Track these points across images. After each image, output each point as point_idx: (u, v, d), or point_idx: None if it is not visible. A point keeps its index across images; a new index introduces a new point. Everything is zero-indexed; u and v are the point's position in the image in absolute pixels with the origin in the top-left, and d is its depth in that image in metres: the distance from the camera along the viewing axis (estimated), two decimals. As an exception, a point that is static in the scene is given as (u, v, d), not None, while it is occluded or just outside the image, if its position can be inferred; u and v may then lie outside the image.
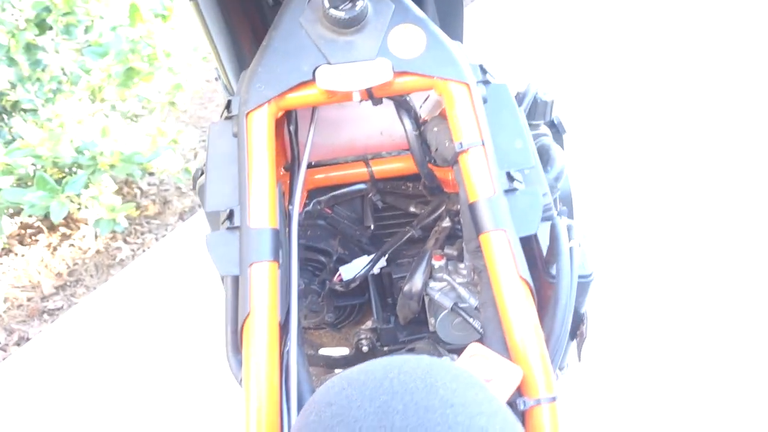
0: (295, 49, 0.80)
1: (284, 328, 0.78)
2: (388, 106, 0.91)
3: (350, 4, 0.78)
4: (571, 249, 0.87)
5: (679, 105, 3.05)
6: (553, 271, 0.87)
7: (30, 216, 2.46)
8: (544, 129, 1.11)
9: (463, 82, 0.80)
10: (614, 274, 2.21)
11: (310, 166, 1.03)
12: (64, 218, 2.55)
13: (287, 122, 0.91)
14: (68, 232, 2.60)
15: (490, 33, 3.58)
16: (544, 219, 0.90)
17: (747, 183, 2.58)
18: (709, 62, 3.33)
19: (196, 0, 0.86)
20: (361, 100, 0.83)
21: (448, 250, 0.96)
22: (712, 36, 3.52)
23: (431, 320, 0.99)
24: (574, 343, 1.07)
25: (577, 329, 1.02)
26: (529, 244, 0.95)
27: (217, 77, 1.11)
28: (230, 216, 0.78)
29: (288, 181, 0.93)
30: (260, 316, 0.74)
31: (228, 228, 0.78)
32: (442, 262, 0.96)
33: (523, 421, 0.73)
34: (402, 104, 0.89)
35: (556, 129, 1.17)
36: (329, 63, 0.79)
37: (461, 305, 0.95)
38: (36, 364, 2.12)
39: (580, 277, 0.94)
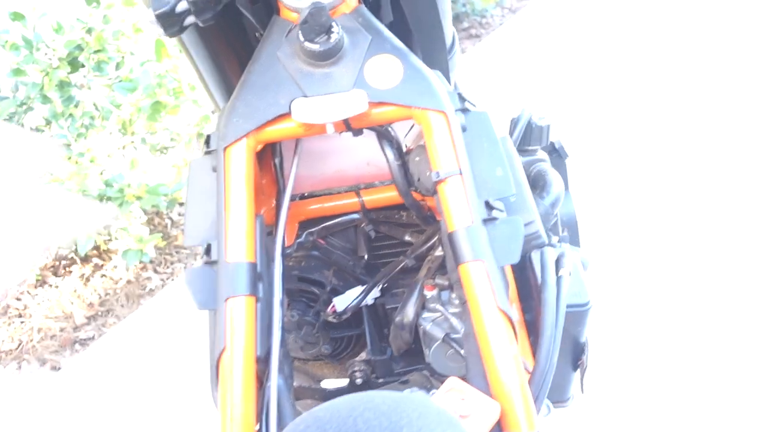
0: (273, 83, 0.81)
1: (266, 362, 0.78)
2: (374, 136, 0.90)
3: (325, 37, 0.79)
4: (560, 278, 0.85)
5: (692, 121, 2.99)
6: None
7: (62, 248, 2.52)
8: (541, 154, 1.09)
9: (440, 111, 0.79)
10: (625, 300, 2.15)
11: (302, 197, 1.03)
12: (97, 249, 2.61)
13: (273, 155, 0.91)
14: (100, 262, 2.65)
15: (495, 65, 3.57)
16: (534, 247, 0.88)
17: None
18: (717, 74, 3.25)
19: (179, 37, 0.87)
20: (340, 132, 0.83)
21: (439, 280, 0.94)
22: (719, 48, 3.44)
23: (426, 351, 0.98)
24: (578, 373, 1.04)
25: (578, 359, 0.99)
26: (525, 273, 0.93)
27: (213, 110, 1.13)
28: (208, 250, 0.79)
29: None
30: (235, 351, 0.74)
31: (206, 262, 0.78)
32: (434, 292, 0.95)
33: None
34: (384, 134, 0.88)
35: (558, 154, 1.15)
36: (305, 96, 0.79)
37: (453, 336, 0.93)
38: (66, 393, 2.16)
39: (575, 306, 0.91)
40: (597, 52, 3.57)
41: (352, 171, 0.99)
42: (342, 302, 1.02)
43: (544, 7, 4.00)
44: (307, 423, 0.60)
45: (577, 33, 3.75)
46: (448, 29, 1.00)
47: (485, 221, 0.76)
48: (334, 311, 1.01)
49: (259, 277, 0.79)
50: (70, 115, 2.48)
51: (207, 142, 0.83)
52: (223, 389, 0.73)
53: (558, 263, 0.85)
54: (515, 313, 0.90)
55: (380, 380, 1.06)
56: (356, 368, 1.05)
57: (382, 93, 0.79)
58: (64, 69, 2.46)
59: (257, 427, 0.75)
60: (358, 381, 1.06)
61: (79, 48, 2.47)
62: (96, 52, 2.48)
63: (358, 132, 0.85)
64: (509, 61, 3.57)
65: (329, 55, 0.79)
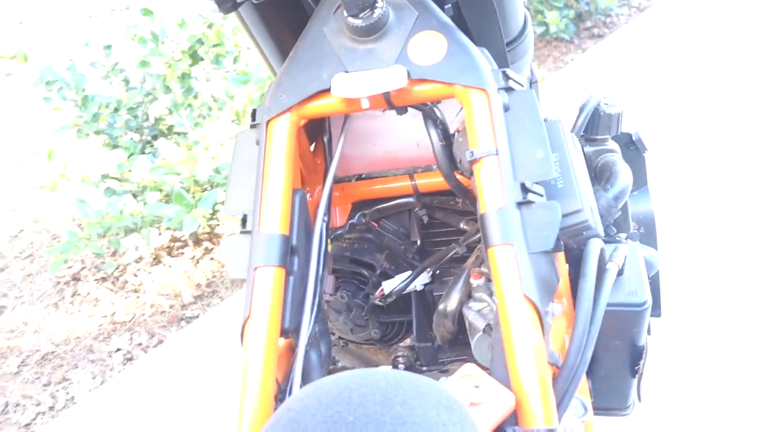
0: (317, 59, 0.81)
1: (295, 334, 0.78)
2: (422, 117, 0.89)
3: (369, 12, 0.78)
4: (606, 271, 0.79)
5: None
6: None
7: (172, 229, 2.68)
8: (612, 145, 1.02)
9: (480, 89, 0.76)
10: (703, 310, 1.99)
11: (359, 178, 1.03)
12: (208, 233, 2.76)
13: (322, 133, 0.92)
14: (210, 246, 2.79)
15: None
16: (586, 238, 0.83)
17: None
18: None
19: (238, 12, 0.90)
20: (384, 110, 0.82)
21: (486, 269, 0.91)
22: None
23: (471, 341, 0.94)
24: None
25: (635, 364, 0.92)
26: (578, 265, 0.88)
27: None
28: (244, 221, 0.80)
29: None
30: (259, 319, 0.75)
31: (241, 232, 0.80)
32: (481, 281, 0.91)
33: None
34: (428, 114, 0.86)
35: (636, 147, 1.08)
36: (347, 71, 0.79)
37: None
38: (168, 365, 2.30)
39: (630, 305, 0.85)
40: (726, 55, 3.31)
41: (401, 153, 0.97)
42: (390, 286, 1.01)
43: (674, 6, 3.77)
44: (307, 392, 0.60)
45: (708, 33, 3.50)
46: (514, 12, 0.97)
47: (519, 204, 0.72)
48: (382, 294, 1.01)
49: (293, 250, 0.79)
50: (189, 105, 2.63)
51: (253, 115, 0.85)
52: (245, 356, 0.74)
53: (605, 256, 0.80)
54: (559, 307, 0.85)
55: (424, 368, 1.03)
56: (400, 354, 1.04)
57: (423, 69, 0.78)
58: (185, 61, 2.62)
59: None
60: (401, 367, 1.04)
61: (200, 42, 2.62)
62: (215, 45, 2.62)
63: (401, 110, 0.84)
64: (630, 61, 3.39)
65: (373, 31, 0.78)
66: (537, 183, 0.75)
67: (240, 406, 0.73)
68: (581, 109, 1.02)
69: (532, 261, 0.71)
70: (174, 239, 2.85)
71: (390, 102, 0.80)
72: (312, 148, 0.97)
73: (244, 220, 0.81)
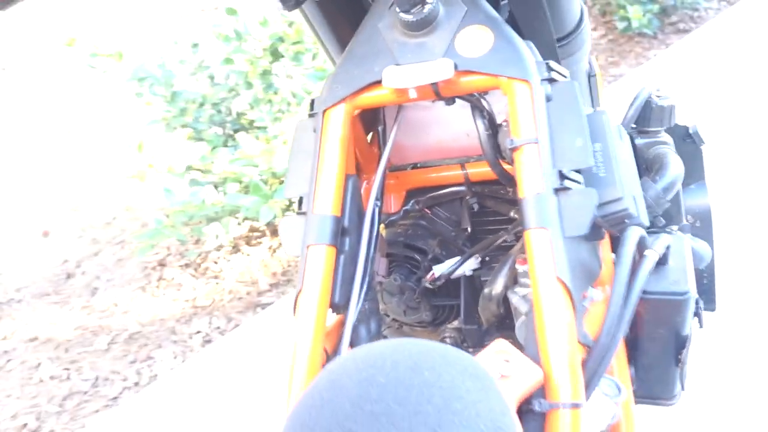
0: (371, 53, 0.87)
1: (345, 309, 0.84)
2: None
3: (419, 7, 0.83)
4: (644, 258, 0.81)
5: None
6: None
7: (250, 219, 2.80)
8: (665, 137, 1.03)
9: (524, 80, 0.80)
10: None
11: (414, 167, 1.08)
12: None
13: (378, 123, 0.97)
14: (287, 236, 2.90)
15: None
16: (627, 227, 0.85)
17: None
18: None
19: (302, 9, 0.96)
20: (433, 101, 0.87)
21: None
22: None
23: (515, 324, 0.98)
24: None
25: (679, 353, 0.93)
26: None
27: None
28: (300, 202, 0.87)
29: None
30: (309, 293, 0.81)
31: (298, 213, 0.87)
32: (526, 266, 0.94)
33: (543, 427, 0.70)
34: (475, 104, 0.90)
35: (692, 140, 1.08)
36: (398, 64, 0.84)
37: None
38: (243, 347, 2.42)
39: (672, 294, 0.87)
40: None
41: (453, 143, 1.01)
42: (440, 270, 1.05)
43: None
44: (347, 357, 0.65)
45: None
46: (568, 7, 0.99)
47: (556, 190, 0.75)
48: (433, 278, 1.05)
49: (344, 231, 0.85)
50: (269, 101, 2.74)
51: (311, 105, 0.92)
52: (296, 326, 0.81)
53: (645, 243, 0.82)
54: (600, 294, 0.87)
55: (471, 349, 1.07)
56: (447, 334, 1.08)
57: (470, 61, 0.82)
58: (266, 59, 2.73)
59: None
60: None
61: (281, 40, 2.73)
62: (294, 43, 2.72)
63: (449, 101, 0.88)
64: (715, 57, 3.28)
65: (423, 25, 0.83)
66: (577, 171, 0.77)
67: (290, 373, 0.79)
68: (632, 101, 1.03)
69: (567, 245, 0.74)
70: (253, 229, 2.98)
71: (438, 93, 0.84)
72: (369, 138, 1.02)
73: (300, 202, 0.87)
